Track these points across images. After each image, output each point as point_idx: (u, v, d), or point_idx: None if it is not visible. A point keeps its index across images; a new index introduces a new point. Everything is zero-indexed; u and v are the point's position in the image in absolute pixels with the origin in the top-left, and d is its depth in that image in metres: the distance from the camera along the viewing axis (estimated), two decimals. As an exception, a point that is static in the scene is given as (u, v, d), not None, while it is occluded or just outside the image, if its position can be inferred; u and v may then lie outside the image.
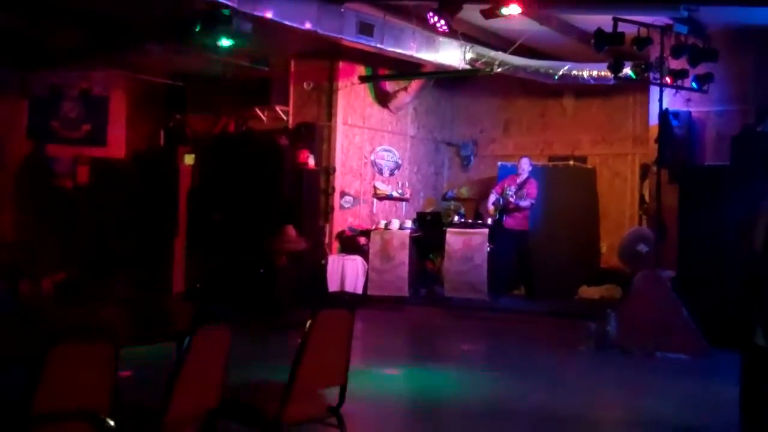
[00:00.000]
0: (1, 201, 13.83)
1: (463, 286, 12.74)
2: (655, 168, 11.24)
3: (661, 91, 10.64)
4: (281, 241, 12.40)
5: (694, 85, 11.09)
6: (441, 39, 13.05)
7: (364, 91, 14.88)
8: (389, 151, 15.32)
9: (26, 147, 14.30)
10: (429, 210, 15.11)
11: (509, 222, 13.06)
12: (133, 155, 15.12)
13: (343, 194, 14.34)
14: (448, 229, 13.14)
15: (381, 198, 14.88)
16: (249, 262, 12.66)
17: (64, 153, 14.55)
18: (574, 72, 13.19)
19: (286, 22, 11.06)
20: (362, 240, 13.88)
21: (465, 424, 6.74)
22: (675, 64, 10.79)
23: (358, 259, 13.47)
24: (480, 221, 13.45)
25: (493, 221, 13.09)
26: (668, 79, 10.83)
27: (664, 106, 10.90)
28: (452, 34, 12.43)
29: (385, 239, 13.37)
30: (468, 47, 13.43)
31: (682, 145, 11.65)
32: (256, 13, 10.62)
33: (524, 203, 12.91)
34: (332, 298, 10.47)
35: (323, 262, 13.41)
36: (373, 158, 15.00)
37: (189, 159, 14.18)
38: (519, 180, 13.18)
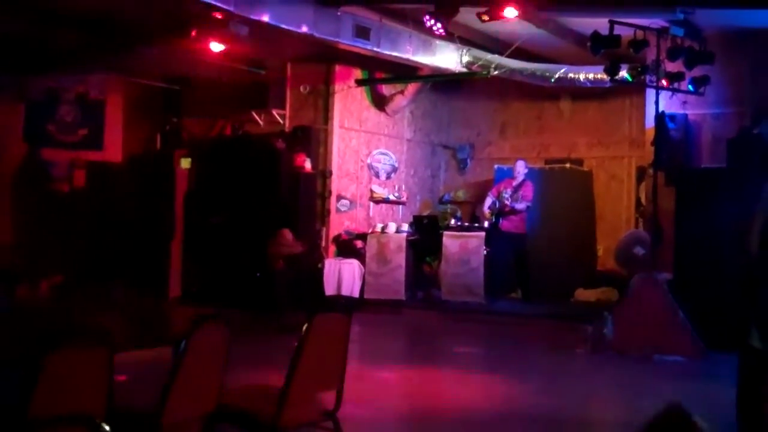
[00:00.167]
0: (-2, 205, 13.85)
1: (460, 289, 12.74)
2: (651, 171, 11.25)
3: (658, 94, 10.66)
4: (278, 245, 12.40)
5: (690, 87, 11.11)
6: (437, 42, 13.06)
7: (361, 95, 14.89)
8: (386, 154, 15.33)
9: (23, 151, 14.30)
10: (425, 213, 15.10)
11: (506, 225, 13.05)
12: (129, 159, 15.10)
13: (339, 197, 14.34)
14: (445, 233, 13.13)
15: (377, 201, 14.88)
16: (246, 265, 12.65)
17: (60, 157, 14.54)
18: (571, 75, 13.20)
19: (283, 26, 11.08)
20: (359, 243, 13.86)
21: (462, 428, 6.74)
22: (671, 66, 10.80)
23: (354, 263, 13.46)
24: (477, 224, 13.45)
25: (490, 224, 13.08)
26: (664, 82, 10.84)
27: (661, 108, 10.93)
28: (449, 37, 12.45)
29: (382, 242, 13.36)
30: (464, 50, 13.44)
31: (678, 148, 11.67)
32: (252, 17, 10.63)
33: (519, 206, 12.90)
34: (329, 302, 10.46)
35: (320, 265, 13.40)
36: (370, 161, 14.99)
37: (185, 163, 14.17)
38: (515, 183, 13.17)
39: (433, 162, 16.66)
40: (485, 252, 12.63)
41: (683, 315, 9.56)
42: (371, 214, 14.81)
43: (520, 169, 13.27)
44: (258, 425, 4.32)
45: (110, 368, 3.55)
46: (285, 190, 13.33)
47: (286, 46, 13.09)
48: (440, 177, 16.83)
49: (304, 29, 11.32)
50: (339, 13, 11.75)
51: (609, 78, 11.48)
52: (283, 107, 14.53)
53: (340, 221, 14.37)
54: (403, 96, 15.00)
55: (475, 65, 13.49)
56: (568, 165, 15.03)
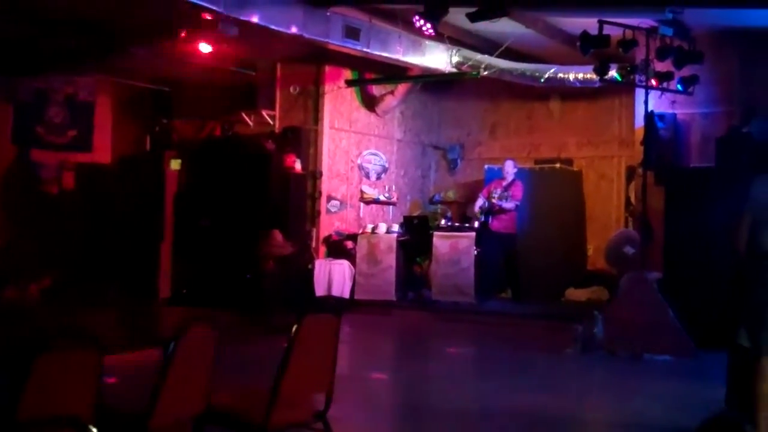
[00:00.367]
0: (-14, 207, 13.79)
1: (450, 289, 12.75)
2: (641, 170, 11.27)
3: (647, 94, 10.69)
4: (268, 246, 12.39)
5: (679, 87, 11.15)
6: (427, 42, 13.06)
7: (351, 95, 14.88)
8: (376, 154, 15.32)
9: (11, 152, 14.24)
10: (416, 213, 15.10)
11: (496, 225, 13.06)
12: (119, 160, 15.06)
13: (329, 198, 14.33)
14: (435, 233, 13.13)
15: (368, 202, 14.86)
16: (236, 266, 12.63)
17: (49, 158, 14.49)
18: (560, 75, 13.23)
19: (272, 27, 11.06)
20: (349, 244, 13.85)
21: (452, 428, 6.73)
22: (660, 66, 10.83)
23: (345, 264, 13.45)
24: (467, 224, 13.44)
25: (480, 224, 13.08)
26: (654, 82, 10.87)
27: (650, 108, 10.95)
28: (438, 37, 12.45)
29: (372, 243, 13.36)
30: (454, 50, 13.45)
31: (667, 147, 11.70)
32: (241, 18, 10.61)
33: (507, 205, 12.91)
34: (318, 303, 10.44)
35: (310, 266, 13.38)
36: (360, 162, 14.99)
37: (175, 164, 14.13)
38: (505, 183, 13.20)
39: (424, 162, 16.66)
40: (475, 252, 12.63)
41: (673, 314, 9.58)
42: (361, 214, 14.79)
43: (509, 169, 13.29)
44: (247, 427, 4.31)
45: (99, 370, 3.53)
46: (275, 191, 13.31)
47: (276, 47, 13.08)
48: (430, 177, 16.83)
49: (294, 30, 11.31)
50: (328, 14, 11.74)
51: (598, 78, 11.51)
52: (272, 108, 14.51)
53: (331, 222, 14.36)
54: (393, 96, 15.00)
55: (465, 65, 13.50)
56: (558, 165, 15.05)
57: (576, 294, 13.51)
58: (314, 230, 14.10)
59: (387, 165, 15.50)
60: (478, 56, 13.44)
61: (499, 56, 13.27)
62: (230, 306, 11.36)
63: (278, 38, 11.55)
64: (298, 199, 13.78)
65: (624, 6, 11.03)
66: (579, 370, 9.31)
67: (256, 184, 13.23)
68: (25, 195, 14.03)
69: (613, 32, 10.33)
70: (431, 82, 15.14)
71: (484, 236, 12.90)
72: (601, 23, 10.21)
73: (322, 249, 14.10)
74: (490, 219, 13.08)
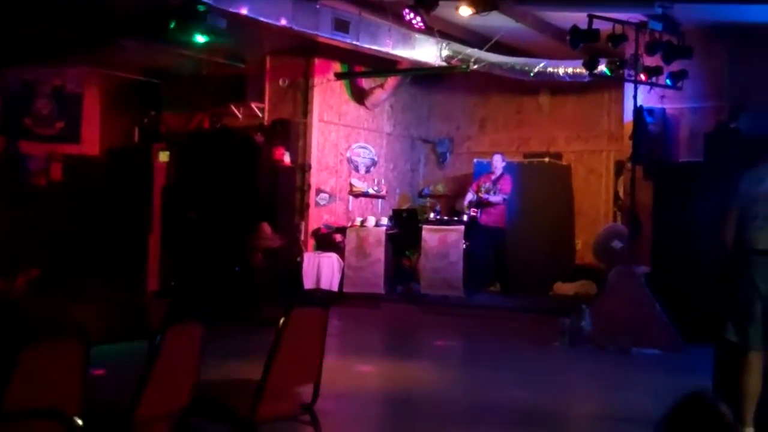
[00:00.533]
0: (-26, 198, 13.71)
1: (439, 283, 12.75)
2: (629, 165, 11.30)
3: (636, 88, 10.71)
4: (257, 239, 12.37)
5: (668, 81, 11.18)
6: (417, 36, 13.04)
7: (340, 88, 14.86)
8: (365, 148, 15.31)
9: (-1, 144, 14.18)
10: (404, 207, 15.10)
11: (485, 219, 13.08)
12: (107, 152, 15.01)
13: (318, 191, 14.31)
14: (424, 226, 13.13)
15: (357, 195, 14.85)
16: (224, 259, 12.61)
17: (37, 150, 14.42)
18: (550, 69, 13.23)
19: (262, 19, 11.03)
20: (338, 237, 13.84)
21: (440, 421, 6.74)
22: (649, 61, 10.86)
23: (333, 257, 13.44)
24: (456, 218, 13.45)
25: (469, 218, 13.09)
26: (643, 76, 10.90)
27: (639, 102, 10.97)
28: (428, 31, 12.43)
29: (361, 236, 13.35)
30: (444, 44, 13.43)
31: (656, 142, 11.73)
32: (231, 9, 10.58)
33: (495, 198, 12.94)
34: (306, 296, 10.45)
35: (299, 259, 13.38)
36: (349, 155, 14.97)
37: (164, 156, 14.10)
38: (493, 177, 13.22)
39: (413, 156, 16.66)
40: (464, 246, 12.64)
41: (660, 308, 9.61)
42: (350, 207, 14.79)
43: (497, 163, 13.32)
44: (234, 419, 4.30)
45: (86, 362, 3.52)
46: (264, 183, 13.29)
47: (265, 39, 13.05)
48: (420, 171, 16.83)
49: (283, 22, 11.27)
50: (318, 6, 11.71)
51: (588, 72, 11.54)
52: (262, 100, 14.48)
53: (319, 215, 14.34)
54: (382, 90, 14.98)
55: (455, 59, 13.49)
56: (547, 159, 15.07)
57: (564, 288, 13.55)
58: (303, 223, 14.08)
59: (376, 158, 15.49)
60: (468, 50, 13.42)
61: (488, 50, 13.26)
62: (219, 298, 11.35)
63: (268, 30, 11.52)
64: (287, 192, 13.77)
65: (614, 1, 11.05)
66: (567, 363, 9.32)
67: (245, 177, 13.21)
68: (12, 186, 13.95)
69: (603, 27, 10.34)
70: (421, 75, 15.13)
71: (473, 230, 12.91)
72: (590, 18, 10.22)
73: (311, 242, 14.09)
74: (479, 213, 13.10)
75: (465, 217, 13.18)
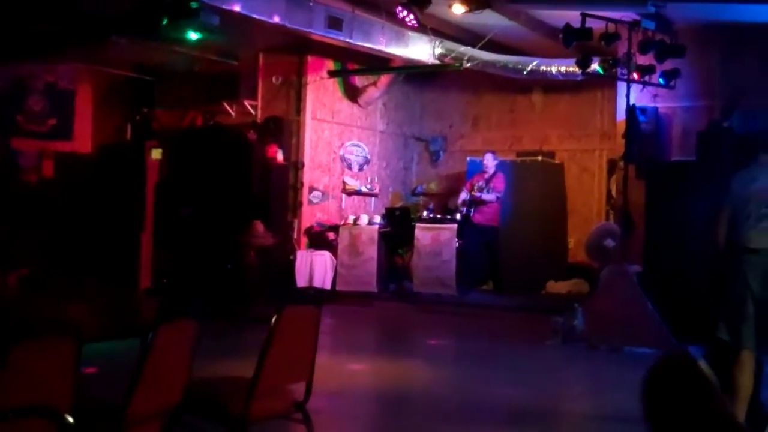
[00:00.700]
0: (-35, 195, 13.65)
1: (431, 281, 12.75)
2: (622, 163, 11.32)
3: (629, 87, 10.72)
4: (249, 236, 12.35)
5: (661, 80, 11.19)
6: (410, 34, 13.04)
7: (333, 86, 14.84)
8: (358, 146, 15.30)
9: (-10, 141, 14.12)
10: (397, 205, 15.10)
11: (477, 217, 13.09)
12: (99, 149, 14.94)
13: (311, 189, 14.30)
14: (417, 225, 13.13)
15: (350, 193, 14.84)
16: (217, 257, 12.59)
17: (29, 147, 14.37)
18: (543, 67, 13.23)
19: (255, 16, 11.01)
20: (331, 235, 13.83)
21: (432, 419, 6.74)
22: (642, 59, 10.86)
23: (326, 255, 13.43)
24: (449, 216, 13.46)
25: (462, 216, 13.10)
26: (635, 75, 10.91)
27: (632, 101, 10.98)
28: (421, 29, 12.43)
29: (354, 234, 13.34)
30: (437, 42, 13.43)
31: (648, 141, 11.74)
32: (223, 6, 10.55)
33: (488, 196, 12.94)
34: (299, 294, 10.43)
35: (291, 257, 13.37)
36: (342, 153, 14.96)
37: (156, 153, 14.04)
38: (486, 175, 13.23)
39: (406, 154, 16.65)
40: (457, 244, 12.65)
41: (653, 307, 9.61)
42: (343, 205, 14.78)
43: (489, 162, 13.34)
44: (227, 416, 4.29)
45: (77, 360, 3.51)
46: (257, 181, 13.27)
47: (258, 37, 13.02)
48: (413, 169, 16.82)
49: (276, 19, 11.25)
50: (311, 4, 11.69)
51: (581, 71, 11.54)
52: (254, 98, 14.47)
53: (312, 213, 14.33)
54: (375, 88, 14.97)
55: (448, 57, 13.49)
56: (539, 158, 15.07)
57: (557, 286, 13.56)
58: (296, 221, 14.06)
59: (369, 156, 15.48)
60: (461, 48, 13.42)
61: (481, 48, 13.25)
62: (211, 296, 11.32)
63: (261, 28, 11.50)
64: (280, 190, 13.75)
65: (607, -1, 11.07)
66: (559, 362, 9.34)
67: (237, 175, 13.18)
68: (4, 183, 13.90)
69: (596, 25, 10.35)
70: (414, 73, 15.13)
71: (466, 228, 12.92)
72: (583, 16, 10.23)
73: (304, 240, 14.07)
74: (472, 211, 13.11)
75: (458, 215, 13.18)
